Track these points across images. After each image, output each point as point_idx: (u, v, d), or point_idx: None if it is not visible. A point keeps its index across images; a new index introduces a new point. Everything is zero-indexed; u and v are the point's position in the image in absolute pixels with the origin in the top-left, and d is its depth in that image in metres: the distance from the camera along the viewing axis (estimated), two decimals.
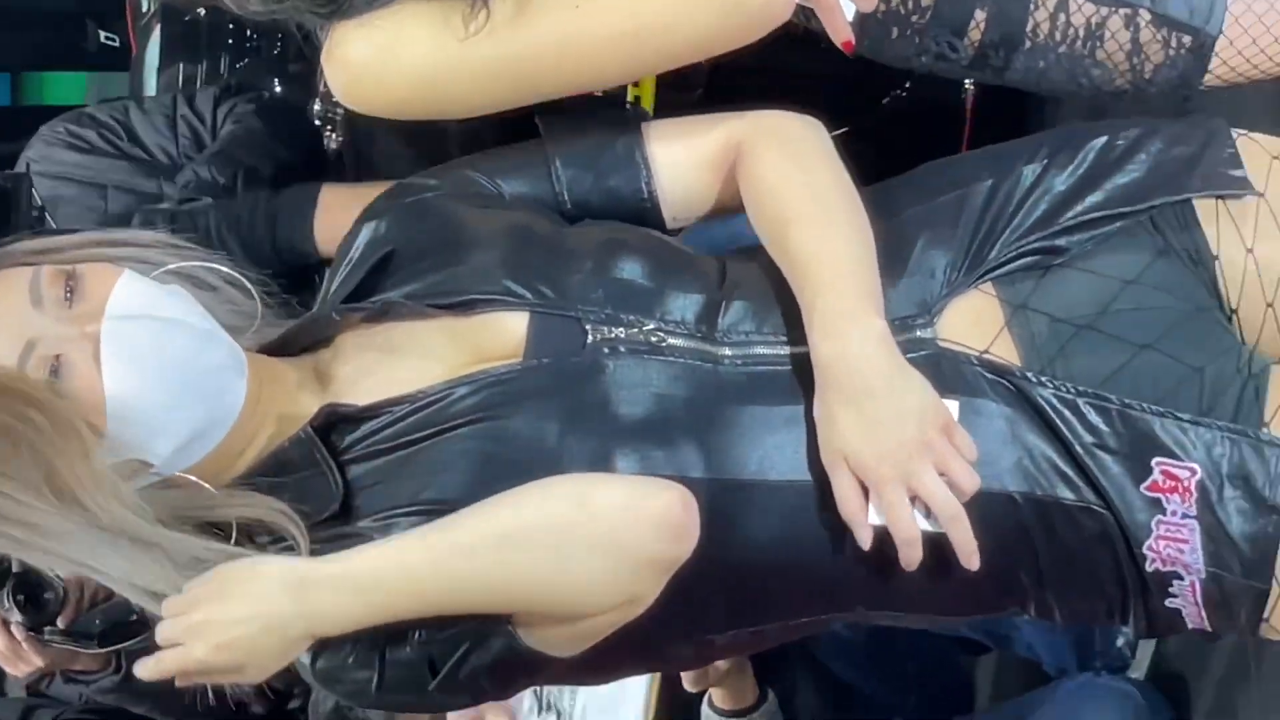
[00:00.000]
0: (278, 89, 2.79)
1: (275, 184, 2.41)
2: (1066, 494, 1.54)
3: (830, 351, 1.51)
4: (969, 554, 1.51)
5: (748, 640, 1.71)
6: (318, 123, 2.55)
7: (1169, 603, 1.57)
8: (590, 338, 1.55)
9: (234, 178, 2.38)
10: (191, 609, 1.43)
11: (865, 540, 1.51)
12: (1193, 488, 1.53)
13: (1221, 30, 1.83)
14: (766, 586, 1.57)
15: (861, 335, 1.51)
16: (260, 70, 2.82)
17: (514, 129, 1.77)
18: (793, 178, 1.61)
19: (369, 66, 1.61)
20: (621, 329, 1.56)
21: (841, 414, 1.50)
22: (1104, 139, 1.66)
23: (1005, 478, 1.54)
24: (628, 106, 2.44)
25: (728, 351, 1.57)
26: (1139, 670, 2.87)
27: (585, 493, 1.48)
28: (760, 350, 1.57)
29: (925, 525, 1.51)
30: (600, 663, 1.57)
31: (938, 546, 1.51)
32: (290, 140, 2.55)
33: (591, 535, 1.45)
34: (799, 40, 1.77)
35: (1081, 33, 1.83)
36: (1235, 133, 1.67)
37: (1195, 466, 1.53)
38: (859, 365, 1.50)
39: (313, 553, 1.50)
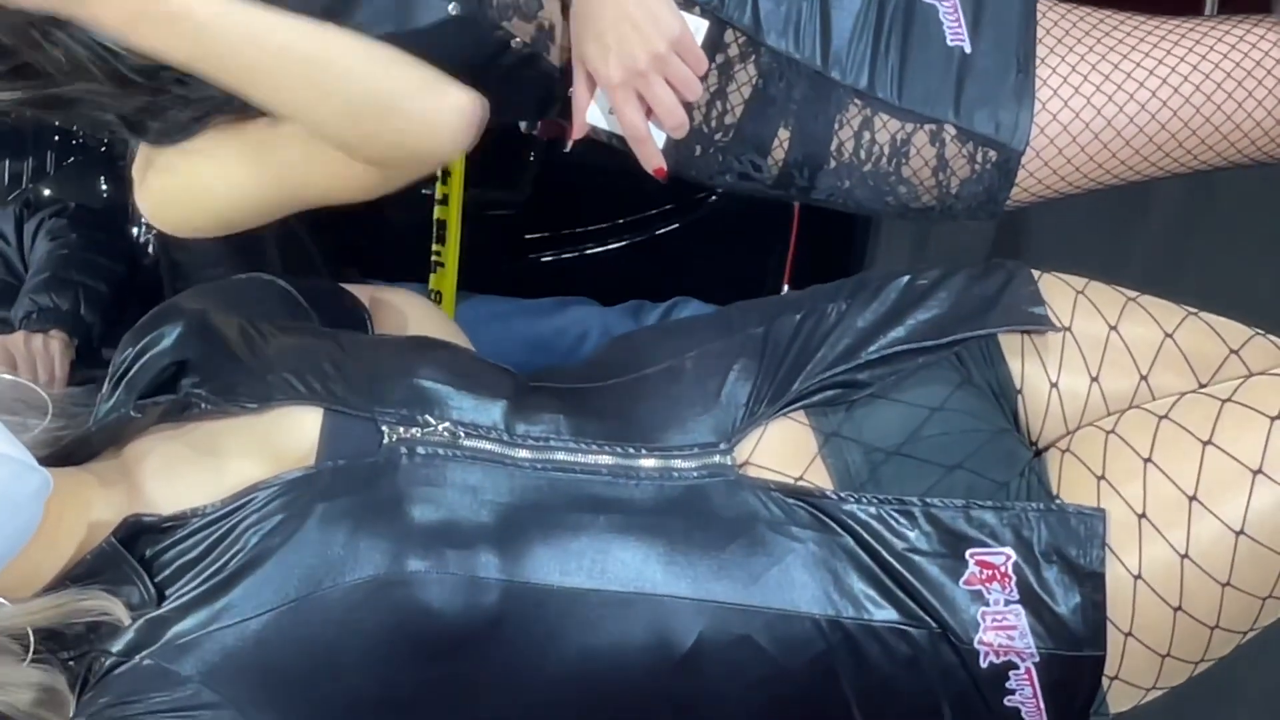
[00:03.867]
0: (104, 187, 2.77)
1: (114, 299, 2.38)
2: (873, 615, 1.53)
3: None
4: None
5: None
6: (142, 227, 2.54)
7: (1008, 700, 1.55)
8: (386, 438, 1.54)
9: (75, 300, 2.36)
10: None
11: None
12: (1010, 571, 1.53)
13: (1028, 144, 1.81)
14: (562, 697, 1.53)
15: None
16: (88, 168, 2.80)
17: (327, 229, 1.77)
18: None
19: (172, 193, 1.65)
20: (418, 429, 1.55)
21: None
22: (905, 278, 1.70)
23: (810, 603, 1.53)
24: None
25: (525, 454, 1.56)
26: None
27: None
28: (560, 456, 1.56)
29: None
30: None
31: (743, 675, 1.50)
32: (111, 250, 2.53)
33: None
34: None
35: (886, 150, 1.81)
36: (1036, 273, 1.70)
37: (1008, 551, 1.54)
38: None
39: (130, 646, 1.46)
